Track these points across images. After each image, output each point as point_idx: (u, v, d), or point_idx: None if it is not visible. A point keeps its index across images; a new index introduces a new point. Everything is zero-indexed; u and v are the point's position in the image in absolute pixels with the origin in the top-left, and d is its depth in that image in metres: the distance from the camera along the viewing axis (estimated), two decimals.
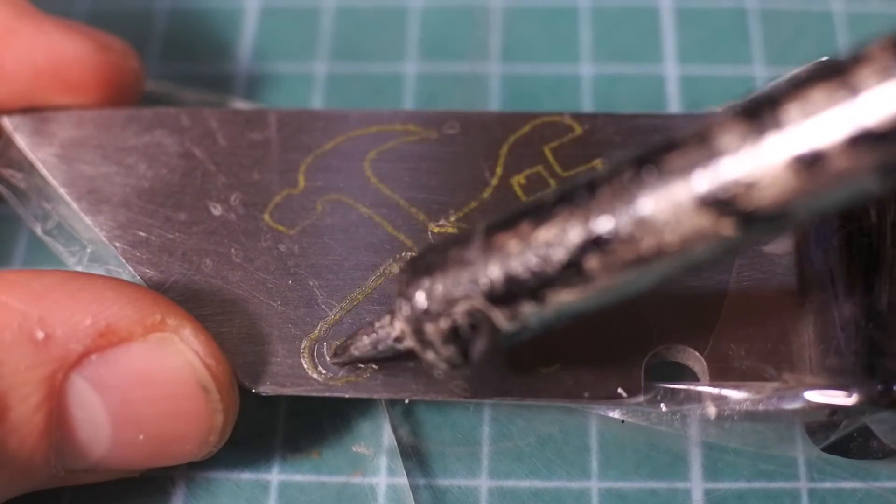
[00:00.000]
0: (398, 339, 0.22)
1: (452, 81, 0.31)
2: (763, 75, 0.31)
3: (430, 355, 0.21)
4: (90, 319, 0.21)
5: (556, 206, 0.19)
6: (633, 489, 0.25)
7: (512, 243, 0.20)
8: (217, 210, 0.25)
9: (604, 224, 0.18)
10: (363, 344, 0.23)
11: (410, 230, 0.25)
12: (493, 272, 0.20)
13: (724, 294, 0.23)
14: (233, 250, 0.25)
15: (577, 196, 0.19)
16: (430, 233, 0.25)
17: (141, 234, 0.25)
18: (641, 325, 0.23)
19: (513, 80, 0.31)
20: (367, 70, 0.31)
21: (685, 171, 0.17)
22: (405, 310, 0.21)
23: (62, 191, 0.26)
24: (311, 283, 0.24)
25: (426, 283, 0.21)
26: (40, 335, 0.21)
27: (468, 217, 0.25)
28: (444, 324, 0.21)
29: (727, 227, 0.17)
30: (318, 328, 0.24)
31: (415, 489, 0.24)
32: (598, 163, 0.25)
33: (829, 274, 0.22)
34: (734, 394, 0.22)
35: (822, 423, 0.23)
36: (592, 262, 0.19)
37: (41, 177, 0.26)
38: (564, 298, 0.19)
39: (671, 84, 0.31)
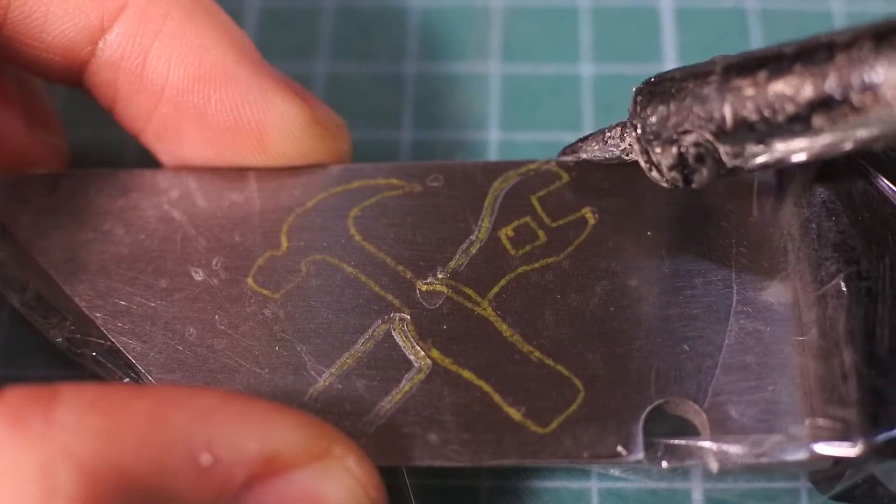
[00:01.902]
0: (626, 152, 0.24)
1: (452, 81, 0.31)
2: None
3: (654, 174, 0.23)
4: (258, 445, 0.20)
5: (795, 62, 0.20)
6: (633, 489, 0.25)
7: (748, 89, 0.21)
8: (199, 275, 0.24)
9: (838, 88, 0.19)
10: (592, 149, 0.24)
11: (398, 289, 0.24)
12: (727, 112, 0.21)
13: (721, 344, 0.23)
14: (217, 317, 0.24)
15: (816, 56, 0.20)
16: (417, 291, 0.24)
17: (121, 303, 0.24)
18: (638, 379, 0.23)
19: (513, 80, 0.31)
20: (367, 70, 0.31)
21: None
22: (637, 131, 0.23)
23: (39, 260, 0.25)
24: (299, 349, 0.23)
25: (662, 109, 0.22)
26: (206, 460, 0.19)
27: (456, 274, 0.24)
28: (672, 150, 0.22)
29: None
30: (308, 396, 0.23)
31: (415, 489, 0.24)
32: (586, 211, 0.25)
33: (828, 321, 0.22)
34: (736, 448, 0.22)
35: (827, 473, 0.22)
36: (820, 120, 0.20)
37: (17, 245, 0.25)
38: (787, 146, 0.21)
39: None
